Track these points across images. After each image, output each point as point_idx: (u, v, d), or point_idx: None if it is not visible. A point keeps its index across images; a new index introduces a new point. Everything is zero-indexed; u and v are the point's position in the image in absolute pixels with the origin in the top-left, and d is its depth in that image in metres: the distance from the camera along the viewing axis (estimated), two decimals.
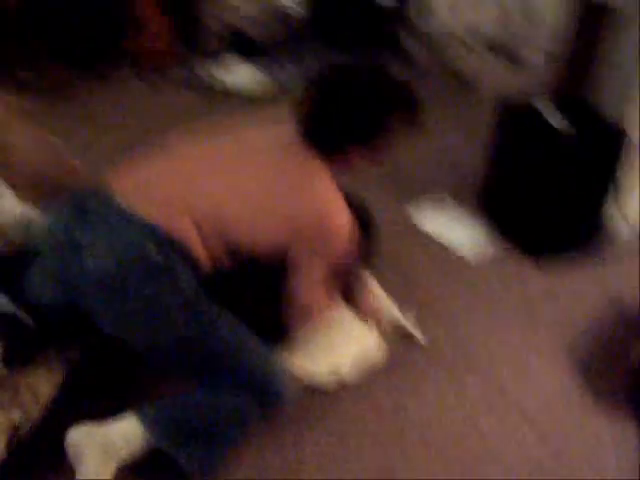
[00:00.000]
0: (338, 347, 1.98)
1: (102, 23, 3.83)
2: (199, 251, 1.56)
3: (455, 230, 2.76)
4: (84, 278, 1.52)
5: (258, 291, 1.82)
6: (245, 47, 4.18)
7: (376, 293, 2.16)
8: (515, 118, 2.68)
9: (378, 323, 2.09)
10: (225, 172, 1.62)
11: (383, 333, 2.08)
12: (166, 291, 1.53)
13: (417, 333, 2.15)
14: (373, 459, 1.78)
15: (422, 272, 2.52)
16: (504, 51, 3.80)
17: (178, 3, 4.12)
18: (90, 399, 1.80)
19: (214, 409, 1.65)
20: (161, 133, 2.85)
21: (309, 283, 1.72)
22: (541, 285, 2.49)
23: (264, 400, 1.66)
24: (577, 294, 2.44)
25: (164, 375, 1.78)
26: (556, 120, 2.53)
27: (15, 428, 1.53)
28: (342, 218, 1.65)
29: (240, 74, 4.00)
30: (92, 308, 1.55)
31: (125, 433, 1.57)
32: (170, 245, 1.52)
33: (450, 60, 4.16)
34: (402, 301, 2.21)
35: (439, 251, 2.65)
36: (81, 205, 1.60)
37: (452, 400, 1.98)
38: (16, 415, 1.55)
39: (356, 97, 1.63)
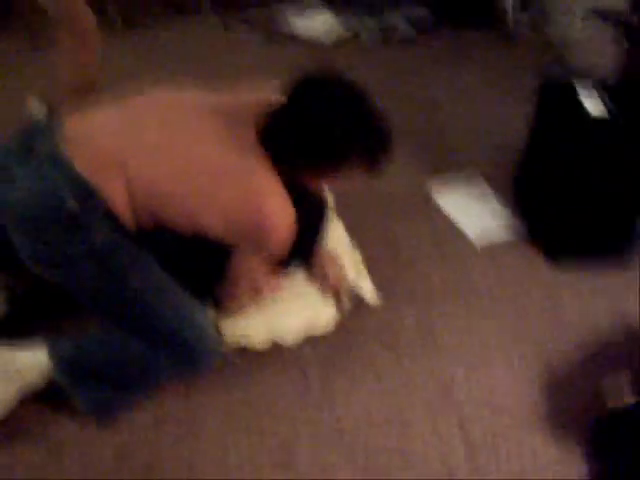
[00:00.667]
0: (280, 313, 1.96)
1: None
2: (125, 215, 1.55)
3: (472, 212, 2.57)
4: (7, 209, 1.55)
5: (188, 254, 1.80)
6: None
7: (338, 262, 2.10)
8: (553, 100, 2.43)
9: (337, 293, 2.04)
10: (173, 142, 1.56)
11: (340, 303, 2.04)
12: (74, 241, 1.53)
13: (371, 298, 2.09)
14: (272, 436, 1.73)
15: (417, 250, 2.40)
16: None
17: None
18: (17, 323, 1.87)
19: (123, 356, 1.69)
20: (220, 69, 3.04)
21: (245, 262, 1.73)
22: (545, 285, 2.28)
23: (181, 358, 1.68)
24: (581, 303, 2.21)
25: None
26: (594, 105, 2.26)
27: None
28: (278, 218, 1.56)
29: (314, 20, 3.91)
30: (13, 240, 1.57)
31: (31, 362, 1.63)
32: (91, 199, 1.51)
33: (552, 29, 3.82)
34: (385, 278, 2.14)
35: (445, 231, 2.51)
36: (28, 140, 1.61)
37: (390, 387, 1.88)
38: None
39: (318, 120, 1.52)
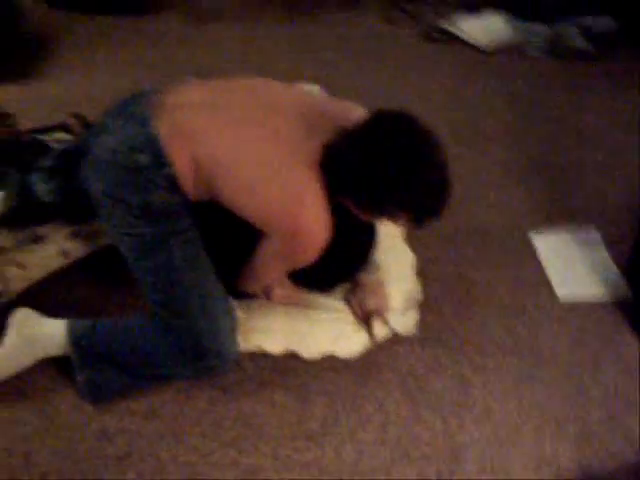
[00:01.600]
0: (305, 327, 1.95)
1: None
2: (186, 182, 1.63)
3: (569, 260, 2.34)
4: (91, 150, 1.70)
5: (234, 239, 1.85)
6: None
7: (381, 291, 2.03)
8: None
9: (370, 321, 1.98)
10: (246, 123, 1.64)
11: (372, 332, 1.97)
12: (136, 192, 1.62)
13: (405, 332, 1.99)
14: (248, 456, 1.71)
15: (489, 293, 2.22)
16: None
17: None
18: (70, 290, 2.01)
19: (133, 344, 1.76)
20: (376, 62, 3.15)
21: (267, 255, 1.73)
22: (625, 363, 2.02)
23: (190, 351, 1.71)
24: None
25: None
26: None
27: None
28: (311, 231, 1.58)
29: (480, 22, 3.70)
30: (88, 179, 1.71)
31: (52, 335, 1.76)
32: (160, 159, 1.60)
33: None
34: (439, 316, 2.04)
35: (530, 277, 2.29)
36: (130, 101, 1.75)
37: (392, 438, 1.77)
38: None
39: (374, 167, 1.49)
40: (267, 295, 1.89)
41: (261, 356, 1.90)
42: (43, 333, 1.76)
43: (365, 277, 2.04)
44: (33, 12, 3.40)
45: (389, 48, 3.62)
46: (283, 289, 1.90)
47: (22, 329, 1.75)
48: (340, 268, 1.93)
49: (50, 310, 1.82)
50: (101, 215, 1.74)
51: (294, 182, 1.57)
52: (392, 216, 1.62)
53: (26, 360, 1.76)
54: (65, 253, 1.92)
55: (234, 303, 1.84)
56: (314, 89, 2.50)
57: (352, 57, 3.48)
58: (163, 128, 1.61)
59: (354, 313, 1.99)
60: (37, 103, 2.81)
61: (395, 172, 1.48)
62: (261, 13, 3.79)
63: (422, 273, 2.16)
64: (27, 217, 1.96)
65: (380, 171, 1.49)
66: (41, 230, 1.93)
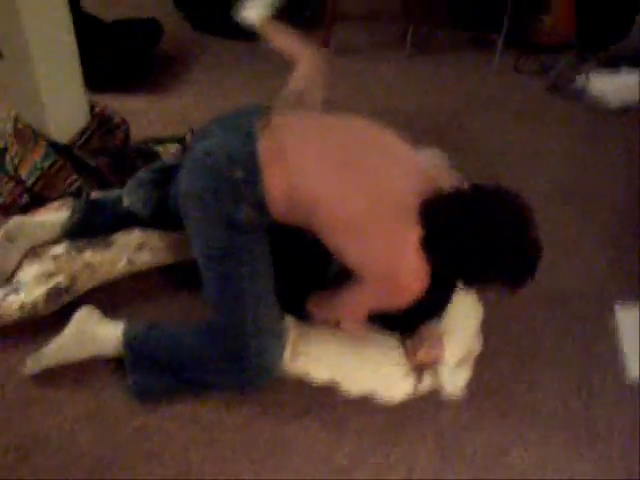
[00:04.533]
0: (353, 363, 1.96)
1: None
2: (276, 208, 1.70)
3: None
4: (192, 153, 1.83)
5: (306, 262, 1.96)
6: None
7: (438, 342, 2.01)
8: None
9: (420, 370, 1.98)
10: (350, 179, 1.68)
11: (419, 381, 1.97)
12: (223, 203, 1.71)
13: (452, 390, 1.95)
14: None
15: (554, 362, 2.15)
16: None
17: None
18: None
19: (184, 352, 1.86)
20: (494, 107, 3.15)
21: (357, 298, 1.79)
22: None
23: (235, 365, 1.81)
24: None
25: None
26: None
27: (57, 290, 1.99)
28: (409, 282, 1.64)
29: (613, 79, 3.56)
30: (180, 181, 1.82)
31: (108, 337, 1.89)
32: (255, 177, 1.68)
33: None
34: (492, 379, 2.01)
35: (603, 352, 2.19)
36: (239, 114, 1.86)
37: None
38: (63, 281, 2.00)
39: (473, 237, 1.55)
40: (337, 323, 1.93)
41: (303, 384, 1.94)
42: (100, 333, 1.89)
43: (427, 325, 2.03)
44: (176, 32, 3.65)
45: (513, 96, 3.56)
46: (355, 323, 1.93)
47: (82, 326, 1.89)
48: (414, 315, 1.93)
49: (113, 309, 1.98)
50: (182, 213, 1.84)
51: (399, 234, 1.62)
52: (481, 284, 1.68)
53: (80, 355, 1.89)
54: (131, 262, 2.07)
55: (290, 322, 1.92)
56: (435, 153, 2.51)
57: (472, 101, 3.47)
58: (265, 148, 1.69)
59: (407, 358, 1.97)
60: (160, 116, 3.03)
61: (492, 245, 1.53)
62: (389, 50, 3.85)
63: (487, 325, 2.12)
64: (103, 226, 2.12)
65: (478, 242, 1.54)
66: (114, 237, 2.08)
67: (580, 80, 3.61)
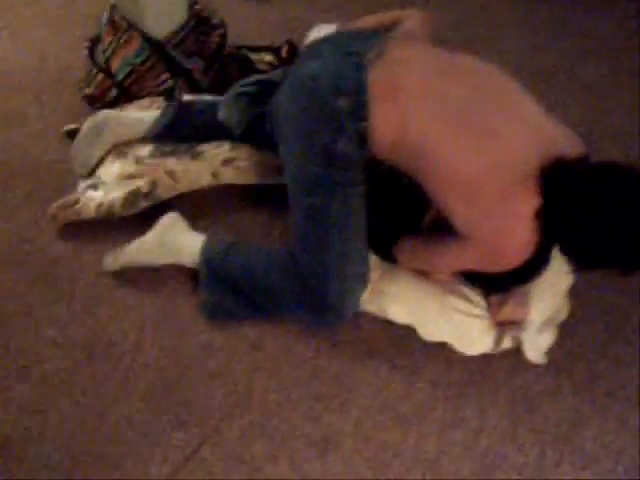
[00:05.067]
0: (435, 312, 1.85)
1: None
2: (379, 145, 1.58)
3: None
4: (297, 74, 1.69)
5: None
6: None
7: (524, 301, 1.85)
8: None
9: (502, 327, 1.84)
10: (471, 113, 1.54)
11: (500, 340, 1.84)
12: (322, 131, 1.59)
13: (532, 356, 1.81)
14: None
15: None
16: None
17: None
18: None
19: (259, 278, 1.78)
20: None
21: (453, 257, 1.67)
22: None
23: (312, 302, 1.72)
24: None
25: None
26: None
27: (136, 194, 1.93)
28: (512, 251, 1.53)
29: None
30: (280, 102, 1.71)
31: (189, 247, 1.84)
32: (360, 112, 1.55)
33: None
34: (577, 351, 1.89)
35: None
36: (355, 38, 1.71)
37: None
38: (143, 186, 1.94)
39: (597, 216, 1.40)
40: (426, 274, 1.82)
41: (381, 322, 1.85)
42: (181, 243, 1.84)
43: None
44: None
45: (632, 47, 3.25)
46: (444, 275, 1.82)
47: (165, 232, 1.85)
48: (507, 278, 1.79)
49: (193, 218, 1.91)
50: (279, 136, 1.73)
51: (515, 202, 1.48)
52: (596, 267, 1.53)
53: (157, 260, 1.85)
54: (216, 175, 1.98)
55: (373, 259, 1.81)
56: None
57: (586, 47, 3.18)
58: (378, 81, 1.55)
59: (491, 313, 1.85)
60: (259, 23, 2.90)
61: (617, 227, 1.39)
62: None
63: (575, 292, 1.97)
64: (192, 132, 2.03)
65: (602, 223, 1.40)
66: (201, 147, 1.99)
67: None
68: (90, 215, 1.89)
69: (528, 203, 1.46)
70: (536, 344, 1.82)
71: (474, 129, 1.52)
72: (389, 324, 1.84)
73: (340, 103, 1.55)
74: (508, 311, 1.82)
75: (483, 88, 1.59)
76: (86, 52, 2.39)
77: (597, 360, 1.87)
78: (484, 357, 1.82)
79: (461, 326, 1.83)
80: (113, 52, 2.29)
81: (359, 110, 1.54)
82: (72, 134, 2.18)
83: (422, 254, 1.76)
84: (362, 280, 1.73)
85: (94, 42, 2.41)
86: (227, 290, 1.80)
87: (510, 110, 1.56)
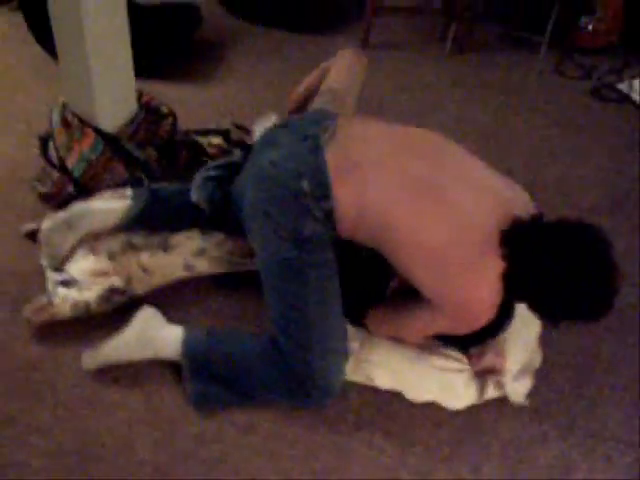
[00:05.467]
0: (415, 372, 1.90)
1: None
2: (344, 221, 1.62)
3: None
4: (258, 165, 1.72)
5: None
6: None
7: (500, 351, 1.95)
8: None
9: (484, 376, 1.92)
10: (429, 186, 1.60)
11: (484, 389, 1.90)
12: (288, 217, 1.63)
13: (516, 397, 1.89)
14: None
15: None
16: None
17: None
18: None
19: (242, 366, 1.79)
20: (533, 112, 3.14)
21: (422, 323, 1.73)
22: None
23: (298, 386, 1.73)
24: None
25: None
26: None
27: (111, 291, 1.92)
28: (480, 316, 1.59)
29: None
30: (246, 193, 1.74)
31: (168, 341, 1.82)
32: (322, 190, 1.60)
33: None
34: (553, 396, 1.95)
35: None
36: (307, 122, 1.76)
37: None
38: (118, 282, 1.93)
39: (558, 272, 1.47)
40: (398, 339, 1.87)
41: (367, 391, 1.88)
42: (160, 338, 1.82)
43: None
44: (214, 19, 3.57)
45: (554, 100, 3.50)
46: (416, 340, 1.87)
47: (142, 328, 1.83)
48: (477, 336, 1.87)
49: (172, 307, 1.93)
50: (248, 227, 1.77)
51: (480, 267, 1.54)
52: (560, 319, 1.57)
53: (139, 356, 1.83)
54: (189, 267, 2.00)
55: (351, 330, 1.85)
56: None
57: (513, 103, 3.41)
58: (335, 160, 1.61)
59: (471, 365, 1.92)
60: (202, 105, 2.96)
61: (578, 281, 1.46)
62: (429, 48, 3.79)
63: (544, 341, 2.05)
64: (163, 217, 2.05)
65: (562, 285, 1.47)
66: (173, 239, 2.00)
67: (624, 84, 3.53)
68: (66, 316, 1.87)
69: (493, 267, 1.52)
70: (517, 388, 1.89)
71: (433, 200, 1.58)
72: (375, 392, 1.88)
73: (303, 186, 1.59)
74: (488, 360, 1.90)
75: (436, 158, 1.66)
76: (37, 150, 2.38)
77: (576, 403, 1.96)
78: (469, 412, 1.87)
79: (445, 383, 1.89)
80: (68, 149, 2.29)
81: (322, 190, 1.59)
82: (32, 235, 2.15)
83: (392, 324, 1.82)
84: (344, 353, 1.76)
85: (44, 139, 2.40)
86: (212, 380, 1.79)
87: (465, 178, 1.63)
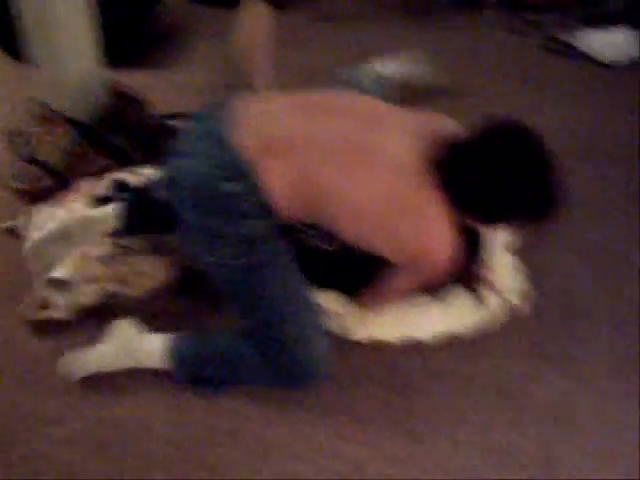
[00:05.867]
0: (418, 315, 1.97)
1: None
2: (282, 206, 1.56)
3: None
4: (180, 180, 1.65)
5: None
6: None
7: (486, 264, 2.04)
8: None
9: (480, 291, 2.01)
10: (351, 145, 1.57)
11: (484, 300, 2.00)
12: (226, 221, 1.58)
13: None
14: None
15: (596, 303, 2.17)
16: None
17: None
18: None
19: (233, 369, 1.79)
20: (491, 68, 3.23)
21: (399, 281, 1.76)
22: None
23: (285, 371, 1.73)
24: None
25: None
26: None
27: (105, 295, 1.93)
28: (443, 252, 1.59)
29: (605, 36, 3.61)
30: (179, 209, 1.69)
31: (149, 351, 1.79)
32: (248, 181, 1.53)
33: None
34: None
35: None
36: (207, 119, 1.67)
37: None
38: (111, 287, 1.94)
39: (495, 178, 1.51)
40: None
41: (368, 350, 1.93)
42: (141, 349, 1.80)
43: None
44: (175, 4, 3.55)
45: (508, 57, 3.58)
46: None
47: (122, 341, 1.80)
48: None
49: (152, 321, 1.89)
50: (193, 245, 1.73)
51: (421, 207, 1.55)
52: (512, 225, 1.69)
53: (119, 366, 1.81)
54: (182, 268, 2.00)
55: (335, 299, 1.90)
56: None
57: (469, 64, 3.47)
58: (249, 146, 1.52)
59: (492, 281, 1.99)
60: (168, 90, 2.94)
61: (517, 187, 1.51)
62: (379, 18, 3.82)
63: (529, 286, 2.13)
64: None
65: (503, 188, 1.51)
66: (161, 239, 2.00)
67: (570, 37, 3.64)
68: (62, 318, 1.90)
69: (432, 202, 1.53)
70: (515, 290, 2.04)
71: (357, 156, 1.55)
72: (375, 352, 1.91)
73: (229, 188, 1.53)
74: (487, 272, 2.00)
75: (349, 114, 1.61)
76: (6, 145, 2.34)
77: (568, 341, 2.04)
78: (467, 366, 1.93)
79: (446, 308, 1.98)
80: (40, 141, 2.26)
81: (250, 185, 1.52)
82: (12, 230, 2.13)
83: (380, 297, 1.86)
84: (320, 326, 1.74)
85: (13, 135, 2.37)
86: (199, 379, 1.81)
87: (382, 124, 1.60)
